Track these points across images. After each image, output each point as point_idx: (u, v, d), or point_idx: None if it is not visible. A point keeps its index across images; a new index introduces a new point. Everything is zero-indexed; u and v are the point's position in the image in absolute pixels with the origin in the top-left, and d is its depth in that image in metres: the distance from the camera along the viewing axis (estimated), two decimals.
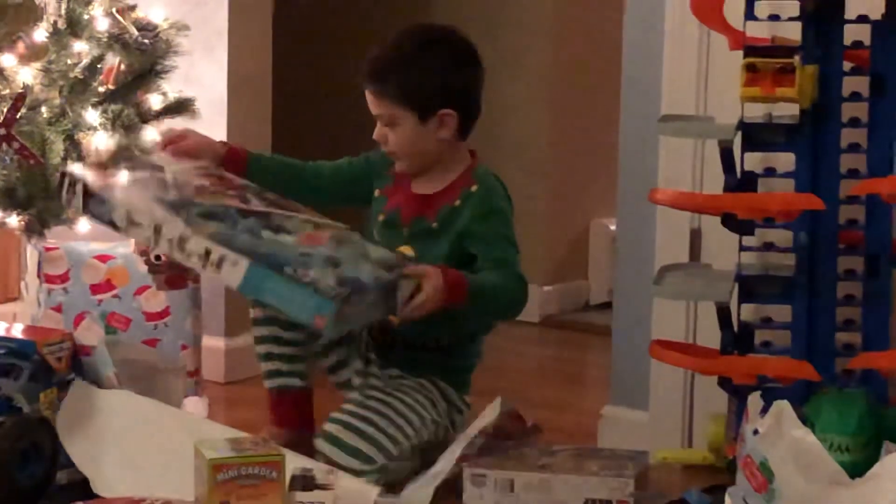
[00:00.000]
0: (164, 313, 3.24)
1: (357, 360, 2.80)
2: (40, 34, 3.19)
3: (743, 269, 2.76)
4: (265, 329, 2.80)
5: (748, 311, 2.80)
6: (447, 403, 2.80)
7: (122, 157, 2.93)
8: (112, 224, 2.62)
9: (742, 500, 2.20)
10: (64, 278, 3.25)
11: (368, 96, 2.78)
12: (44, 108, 3.17)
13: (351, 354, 2.80)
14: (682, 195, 2.87)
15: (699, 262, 3.00)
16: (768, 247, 2.80)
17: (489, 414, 2.67)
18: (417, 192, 2.84)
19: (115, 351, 2.70)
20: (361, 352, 2.81)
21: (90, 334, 2.70)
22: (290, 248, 2.53)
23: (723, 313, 2.73)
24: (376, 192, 2.90)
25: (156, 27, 3.35)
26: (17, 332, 2.69)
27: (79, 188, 2.65)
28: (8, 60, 3.16)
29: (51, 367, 2.58)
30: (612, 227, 4.30)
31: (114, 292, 3.24)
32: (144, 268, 3.21)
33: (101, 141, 3.18)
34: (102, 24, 3.25)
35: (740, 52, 2.64)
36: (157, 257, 3.18)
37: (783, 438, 2.14)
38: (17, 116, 3.08)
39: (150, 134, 3.29)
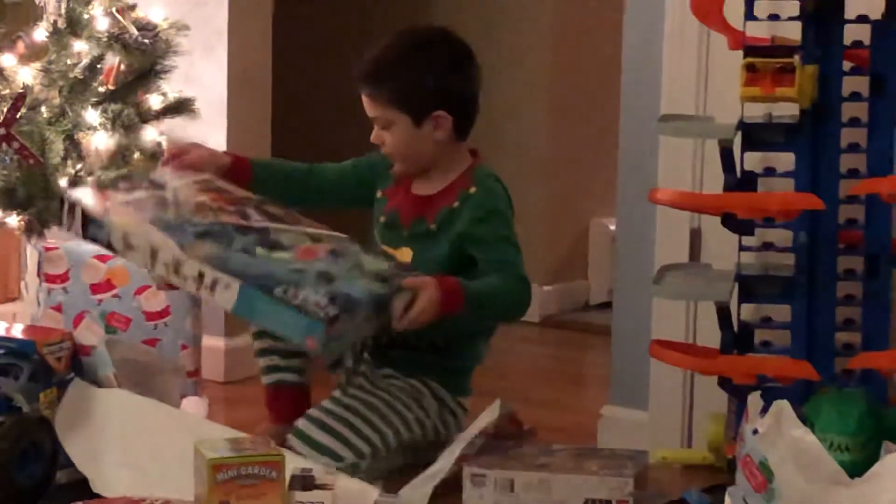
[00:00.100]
0: (163, 313, 3.24)
1: (349, 359, 2.80)
2: (40, 34, 3.19)
3: (743, 268, 2.75)
4: None
5: (748, 311, 2.79)
6: (438, 403, 2.79)
7: (121, 178, 2.93)
8: (110, 247, 2.64)
9: (742, 499, 2.19)
10: (64, 278, 3.25)
11: (364, 99, 2.78)
12: (44, 108, 3.17)
13: (344, 353, 2.79)
14: (682, 195, 2.87)
15: (699, 262, 3.00)
16: (768, 246, 2.80)
17: (488, 415, 2.67)
18: (417, 193, 2.84)
19: (114, 351, 2.70)
20: (356, 351, 2.80)
21: (90, 334, 2.70)
22: (283, 266, 2.54)
23: (723, 313, 2.73)
24: (378, 193, 2.90)
25: (156, 27, 3.35)
26: (17, 331, 2.69)
27: (77, 212, 2.66)
28: (8, 60, 3.16)
29: (50, 366, 2.58)
30: (612, 227, 4.30)
31: (114, 292, 3.24)
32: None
33: (100, 141, 3.19)
34: (102, 24, 3.25)
35: (740, 52, 2.64)
36: None
37: (783, 438, 2.14)
38: (17, 116, 3.08)
39: (150, 134, 3.29)
